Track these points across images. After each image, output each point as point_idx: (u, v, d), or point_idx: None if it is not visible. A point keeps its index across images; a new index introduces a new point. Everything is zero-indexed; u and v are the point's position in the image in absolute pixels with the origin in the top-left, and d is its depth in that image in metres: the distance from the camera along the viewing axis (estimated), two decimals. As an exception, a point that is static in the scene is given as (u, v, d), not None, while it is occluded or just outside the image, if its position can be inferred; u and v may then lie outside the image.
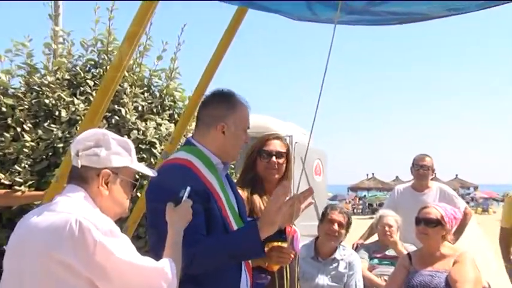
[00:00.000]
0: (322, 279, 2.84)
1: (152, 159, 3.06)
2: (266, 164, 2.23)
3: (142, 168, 1.64)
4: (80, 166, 1.49)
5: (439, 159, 3.97)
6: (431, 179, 3.88)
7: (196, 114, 1.93)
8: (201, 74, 2.73)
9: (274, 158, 2.22)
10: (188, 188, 1.54)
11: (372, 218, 4.95)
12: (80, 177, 1.51)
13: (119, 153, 1.55)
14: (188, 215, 1.54)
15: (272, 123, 4.90)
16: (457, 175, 35.54)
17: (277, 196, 1.62)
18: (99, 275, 1.32)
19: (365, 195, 33.94)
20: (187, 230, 1.51)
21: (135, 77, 3.46)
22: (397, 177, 30.99)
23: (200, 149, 1.76)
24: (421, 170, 3.73)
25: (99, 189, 1.51)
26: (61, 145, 2.85)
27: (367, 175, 33.66)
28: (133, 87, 3.36)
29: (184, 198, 1.52)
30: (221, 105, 1.80)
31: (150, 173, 1.63)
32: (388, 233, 3.23)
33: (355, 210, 28.24)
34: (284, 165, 2.27)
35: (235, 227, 1.72)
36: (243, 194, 2.16)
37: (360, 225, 4.75)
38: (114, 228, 1.41)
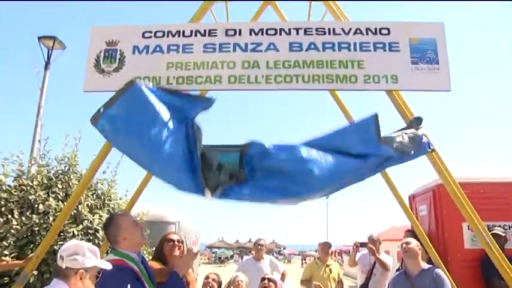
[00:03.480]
0: None
1: (96, 241, 4.66)
2: (171, 246, 3.45)
3: (104, 264, 2.28)
4: (64, 267, 2.10)
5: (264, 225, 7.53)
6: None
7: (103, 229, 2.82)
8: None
9: (177, 242, 3.49)
10: (128, 286, 2.29)
11: (220, 266, 7.16)
12: (63, 274, 2.10)
13: (90, 257, 2.16)
14: None
15: (167, 213, 7.17)
16: (273, 239, 57.79)
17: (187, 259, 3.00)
18: None
19: (216, 251, 52.28)
20: None
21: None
22: (237, 240, 55.47)
23: (124, 252, 2.62)
24: (259, 247, 5.87)
25: (76, 283, 2.08)
26: (37, 229, 4.38)
27: (218, 238, 55.55)
28: (86, 190, 5.05)
29: None
30: (110, 229, 2.68)
31: (108, 266, 2.29)
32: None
33: (209, 260, 45.62)
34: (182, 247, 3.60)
35: None
36: (158, 265, 3.33)
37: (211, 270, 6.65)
38: None
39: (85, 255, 2.18)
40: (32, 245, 4.24)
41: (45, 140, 5.11)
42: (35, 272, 4.00)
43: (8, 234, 4.29)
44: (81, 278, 2.17)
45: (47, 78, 8.49)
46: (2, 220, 4.36)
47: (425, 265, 4.05)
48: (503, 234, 5.19)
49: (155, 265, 3.35)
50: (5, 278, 4.01)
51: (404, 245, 4.05)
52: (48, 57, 8.63)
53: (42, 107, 7.77)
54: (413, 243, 4.08)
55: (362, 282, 6.03)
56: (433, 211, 5.82)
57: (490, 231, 4.96)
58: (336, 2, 4.04)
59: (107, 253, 3.58)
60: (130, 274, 2.55)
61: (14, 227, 4.33)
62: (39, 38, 8.47)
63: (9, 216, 4.42)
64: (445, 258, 5.27)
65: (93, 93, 3.60)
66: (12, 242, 4.25)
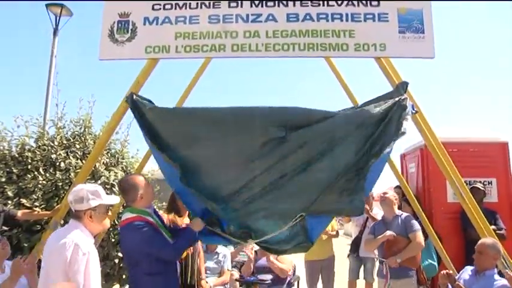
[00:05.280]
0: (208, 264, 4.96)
1: (113, 195, 5.12)
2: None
3: (109, 200, 2.67)
4: (74, 210, 2.54)
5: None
6: None
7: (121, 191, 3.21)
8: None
9: None
10: None
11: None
12: (76, 215, 2.53)
13: (93, 198, 2.53)
14: None
15: None
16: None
17: None
18: (73, 272, 2.33)
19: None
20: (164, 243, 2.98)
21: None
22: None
23: (139, 209, 3.03)
24: None
25: (87, 220, 2.50)
26: (60, 184, 4.88)
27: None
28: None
29: None
30: (132, 188, 3.04)
31: (116, 200, 2.81)
32: None
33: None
34: None
35: (166, 236, 3.08)
36: (169, 216, 3.72)
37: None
38: (91, 249, 2.43)
39: (88, 198, 2.50)
40: (57, 198, 4.74)
41: (62, 104, 5.51)
42: (62, 222, 4.48)
43: (36, 189, 4.77)
44: (90, 216, 2.52)
45: (56, 45, 8.79)
46: (30, 176, 4.84)
47: (399, 212, 4.63)
48: (482, 189, 5.67)
49: (170, 216, 3.77)
50: (37, 226, 4.54)
51: (382, 195, 4.61)
52: (57, 24, 8.88)
53: (55, 73, 8.10)
54: (390, 193, 4.63)
55: (356, 235, 6.53)
56: (420, 168, 6.29)
57: (471, 186, 5.47)
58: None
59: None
60: (150, 226, 2.96)
61: (40, 182, 4.81)
62: (47, 6, 8.69)
63: (36, 173, 4.89)
64: (429, 211, 5.81)
65: (108, 61, 3.98)
66: (40, 195, 4.74)
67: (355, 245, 6.33)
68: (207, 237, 3.44)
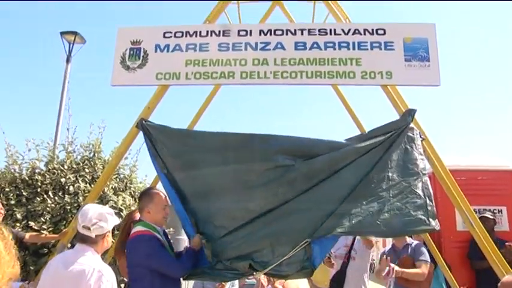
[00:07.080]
0: None
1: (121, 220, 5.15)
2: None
3: (116, 221, 2.54)
4: (94, 236, 2.31)
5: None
6: None
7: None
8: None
9: None
10: None
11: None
12: (91, 241, 2.32)
13: (111, 219, 2.42)
14: None
15: None
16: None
17: None
18: None
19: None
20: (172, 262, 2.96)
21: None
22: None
23: (150, 224, 3.06)
24: None
25: (103, 245, 2.40)
26: (69, 207, 4.91)
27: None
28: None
29: None
30: (144, 198, 3.12)
31: (117, 221, 2.52)
32: None
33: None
34: None
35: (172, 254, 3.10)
36: None
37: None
38: (113, 275, 2.25)
39: (107, 220, 2.38)
40: (64, 222, 4.76)
41: (73, 129, 5.60)
42: (69, 245, 4.49)
43: (45, 212, 4.80)
44: (106, 239, 2.46)
45: (69, 71, 9.02)
46: (39, 199, 4.88)
47: (410, 240, 4.57)
48: (492, 217, 5.58)
49: None
50: (44, 249, 4.54)
51: None
52: (70, 51, 9.15)
53: (67, 98, 8.28)
54: None
55: (337, 270, 5.09)
56: (429, 196, 6.19)
57: (479, 215, 5.39)
58: (337, 2, 4.43)
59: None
60: (157, 241, 2.98)
61: (49, 205, 4.84)
62: (62, 33, 8.97)
63: (45, 196, 4.93)
64: (438, 239, 5.71)
65: (119, 87, 4.08)
66: (48, 218, 4.77)
67: (338, 283, 5.00)
68: (214, 275, 3.39)
